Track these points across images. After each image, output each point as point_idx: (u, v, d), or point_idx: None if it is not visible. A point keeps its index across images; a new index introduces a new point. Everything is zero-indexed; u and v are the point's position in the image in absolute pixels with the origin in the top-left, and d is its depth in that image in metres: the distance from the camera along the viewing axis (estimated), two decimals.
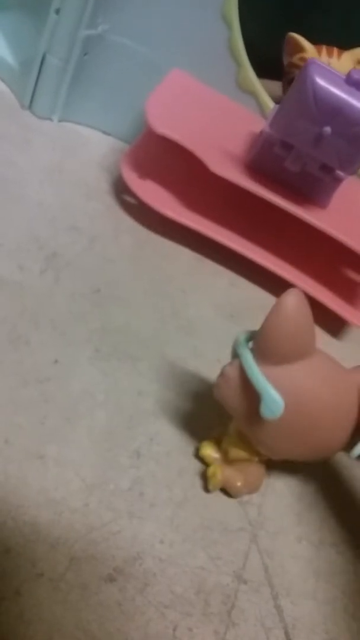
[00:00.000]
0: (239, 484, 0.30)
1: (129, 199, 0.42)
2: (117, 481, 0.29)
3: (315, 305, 0.40)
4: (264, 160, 0.38)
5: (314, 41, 0.46)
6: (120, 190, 0.42)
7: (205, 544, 0.29)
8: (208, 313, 0.38)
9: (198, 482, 0.31)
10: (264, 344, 0.27)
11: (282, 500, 0.32)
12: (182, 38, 0.41)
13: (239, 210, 0.41)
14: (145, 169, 0.41)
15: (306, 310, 0.26)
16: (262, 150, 0.37)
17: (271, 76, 0.43)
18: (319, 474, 0.33)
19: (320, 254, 0.41)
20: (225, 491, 0.31)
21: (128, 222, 0.41)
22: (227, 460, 0.30)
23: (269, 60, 0.42)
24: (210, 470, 0.30)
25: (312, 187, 0.38)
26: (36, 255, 0.36)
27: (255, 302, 0.41)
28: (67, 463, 0.29)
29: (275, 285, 0.41)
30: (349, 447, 0.28)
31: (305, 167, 0.37)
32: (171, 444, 0.31)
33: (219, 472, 0.30)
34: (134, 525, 0.28)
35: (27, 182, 0.39)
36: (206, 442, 0.31)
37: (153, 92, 0.40)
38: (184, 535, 0.29)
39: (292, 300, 0.26)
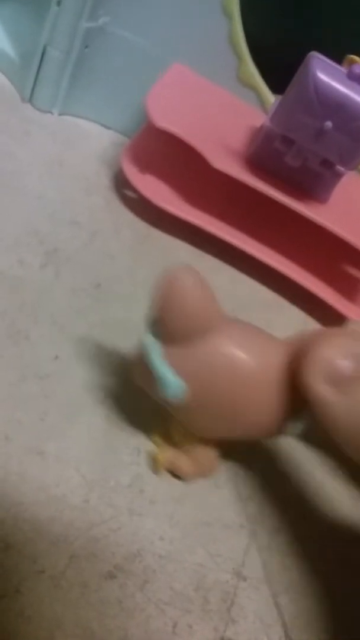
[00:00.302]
0: (185, 468, 0.29)
1: (129, 193, 0.42)
2: (117, 478, 0.29)
3: (316, 302, 0.40)
4: (265, 155, 0.37)
5: (315, 35, 0.45)
6: (121, 184, 0.42)
7: (205, 540, 0.29)
8: None
9: (197, 480, 0.31)
10: (158, 327, 0.26)
11: (281, 497, 0.32)
12: (183, 31, 0.41)
13: (239, 206, 0.41)
14: (145, 163, 0.41)
15: (196, 287, 0.25)
16: (263, 145, 0.37)
17: (271, 70, 0.42)
18: (319, 471, 0.33)
19: (321, 250, 0.41)
20: (225, 487, 0.31)
21: (128, 217, 0.41)
22: (174, 444, 0.30)
23: (269, 54, 0.42)
24: (155, 454, 0.30)
25: (313, 182, 0.38)
26: (36, 250, 0.35)
27: (255, 298, 0.41)
28: (67, 459, 0.29)
29: (276, 281, 0.41)
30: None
31: (306, 162, 0.36)
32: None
33: (161, 457, 0.29)
34: (134, 521, 0.28)
35: (27, 175, 0.39)
36: (159, 428, 0.31)
37: (154, 86, 0.39)
38: (184, 531, 0.29)
39: (180, 279, 0.25)
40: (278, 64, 0.41)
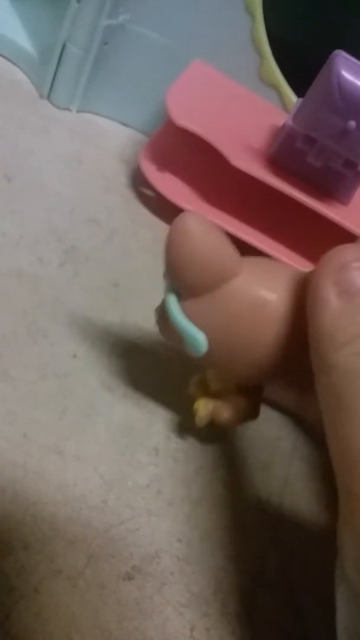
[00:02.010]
0: (225, 415, 0.28)
1: (147, 191, 0.42)
2: (135, 478, 0.29)
3: None
4: (286, 154, 0.37)
5: (340, 36, 0.45)
6: (139, 182, 0.42)
7: (223, 543, 0.29)
8: None
9: (216, 480, 0.30)
10: (173, 281, 0.25)
11: (301, 500, 0.31)
12: (204, 29, 0.41)
13: (259, 206, 0.40)
14: (164, 162, 0.41)
15: (204, 235, 0.23)
16: (284, 145, 0.37)
17: (293, 70, 0.42)
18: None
19: None
20: (243, 490, 0.30)
21: (146, 216, 0.41)
22: (211, 394, 0.29)
23: (292, 53, 0.42)
24: (194, 405, 0.29)
25: (335, 183, 0.37)
26: (55, 248, 0.35)
27: None
28: (85, 459, 0.28)
29: None
30: None
31: (328, 163, 0.36)
32: (189, 441, 0.31)
33: (202, 407, 0.28)
34: (152, 523, 0.28)
35: (46, 172, 0.39)
36: (196, 379, 0.29)
37: (174, 83, 0.39)
38: (202, 534, 0.28)
39: (185, 229, 0.23)
40: (301, 63, 0.41)
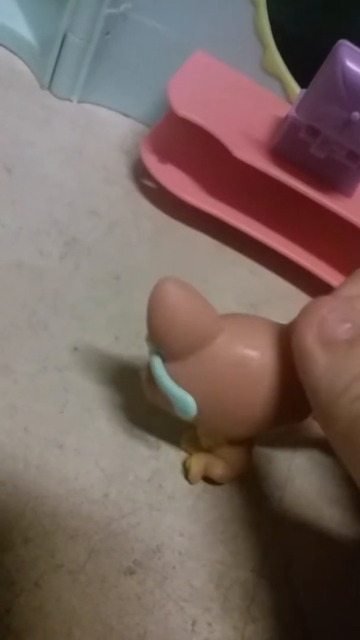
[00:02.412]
0: (218, 470, 0.29)
1: (148, 183, 0.41)
2: (136, 472, 0.29)
3: None
4: (289, 146, 0.37)
5: (344, 27, 0.45)
6: (140, 174, 0.41)
7: (225, 537, 0.28)
8: (228, 301, 0.38)
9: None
10: (157, 344, 0.25)
11: (302, 495, 0.31)
12: (207, 18, 0.40)
13: (261, 197, 0.40)
14: (165, 153, 0.40)
15: (183, 301, 0.24)
16: (287, 136, 0.36)
17: (297, 61, 0.42)
18: (338, 470, 0.32)
19: (343, 244, 0.40)
20: (246, 484, 0.30)
21: (147, 207, 0.40)
22: (203, 449, 0.29)
23: (295, 44, 0.41)
24: (187, 462, 0.29)
25: (338, 174, 0.37)
26: (56, 240, 0.35)
27: (275, 291, 0.40)
28: (86, 452, 0.28)
29: (296, 274, 0.40)
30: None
31: (332, 154, 0.36)
32: None
33: (195, 463, 0.29)
34: (153, 517, 0.28)
35: (47, 163, 0.39)
36: (187, 434, 0.30)
37: (176, 73, 0.39)
38: (204, 528, 0.28)
39: (164, 296, 0.23)
40: (304, 53, 0.40)
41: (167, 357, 0.25)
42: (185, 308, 0.24)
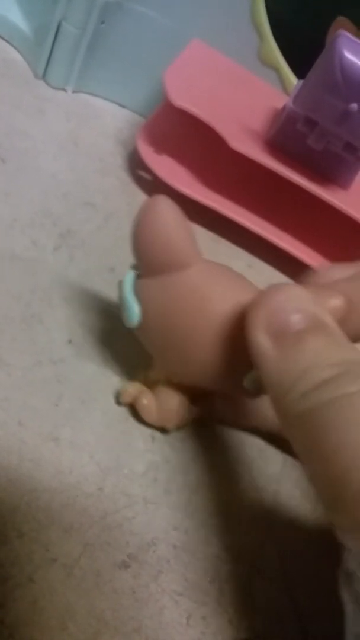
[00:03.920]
0: (144, 400, 0.29)
1: (144, 174, 0.41)
2: (131, 465, 0.28)
3: None
4: (286, 137, 0.36)
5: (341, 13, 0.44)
6: (135, 165, 0.41)
7: (220, 531, 0.28)
8: None
9: (213, 468, 0.30)
10: (135, 257, 0.26)
11: (298, 489, 0.31)
12: (203, 8, 0.40)
13: (258, 189, 0.40)
14: (161, 144, 0.40)
15: (171, 217, 0.24)
16: (284, 127, 0.36)
17: (293, 50, 0.41)
18: None
19: (340, 237, 0.40)
20: (241, 478, 0.30)
21: (143, 199, 0.40)
22: (147, 383, 0.29)
23: (292, 33, 0.41)
24: (121, 387, 0.30)
25: (335, 166, 0.37)
26: (50, 231, 0.35)
27: (272, 283, 0.40)
28: (81, 446, 0.28)
29: (293, 267, 0.40)
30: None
31: (329, 146, 0.35)
32: (186, 428, 0.31)
33: (131, 386, 0.29)
34: (148, 510, 0.28)
35: (41, 154, 0.38)
36: (144, 373, 0.30)
37: (172, 63, 0.38)
38: (199, 522, 0.28)
39: (156, 209, 0.24)
40: (301, 44, 0.40)
41: (142, 274, 0.26)
42: (172, 224, 0.24)
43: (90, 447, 0.28)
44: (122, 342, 0.32)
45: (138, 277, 0.27)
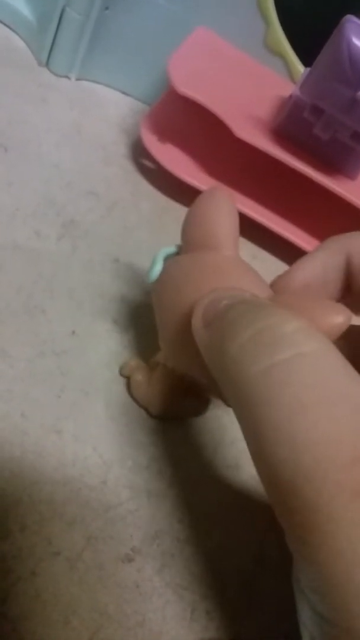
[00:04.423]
0: (138, 376, 0.29)
1: (147, 163, 0.40)
2: (135, 458, 0.28)
3: None
4: (292, 126, 0.36)
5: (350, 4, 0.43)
6: (139, 154, 0.41)
7: (224, 523, 0.28)
8: None
9: (216, 461, 0.30)
10: (182, 235, 0.27)
11: None
12: None
13: (263, 179, 0.39)
14: (165, 133, 0.39)
15: (227, 208, 0.26)
16: (291, 116, 0.36)
17: (300, 37, 0.41)
18: None
19: (346, 227, 0.39)
20: (245, 469, 0.30)
21: (147, 189, 0.39)
22: (150, 365, 0.30)
23: (299, 19, 0.40)
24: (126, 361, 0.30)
25: (342, 156, 0.36)
26: (53, 221, 0.34)
27: (277, 275, 0.39)
28: (84, 438, 0.28)
29: (298, 258, 0.39)
30: None
31: (336, 135, 0.35)
32: (189, 421, 0.30)
33: (133, 360, 0.30)
34: (152, 503, 0.27)
35: (43, 142, 0.38)
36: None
37: (176, 50, 0.38)
38: (203, 514, 0.28)
39: (218, 196, 0.26)
40: (308, 30, 0.39)
41: (181, 251, 0.27)
42: (224, 213, 0.26)
43: (94, 440, 0.28)
44: (127, 334, 0.32)
45: (176, 254, 0.27)
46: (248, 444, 0.20)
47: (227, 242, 0.26)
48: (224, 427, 0.31)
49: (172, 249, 0.28)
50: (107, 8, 0.39)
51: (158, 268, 0.27)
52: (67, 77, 0.42)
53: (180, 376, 0.28)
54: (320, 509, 0.17)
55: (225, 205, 0.26)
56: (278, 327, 0.19)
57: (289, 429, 0.17)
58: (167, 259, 0.27)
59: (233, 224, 0.26)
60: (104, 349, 0.31)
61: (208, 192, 0.26)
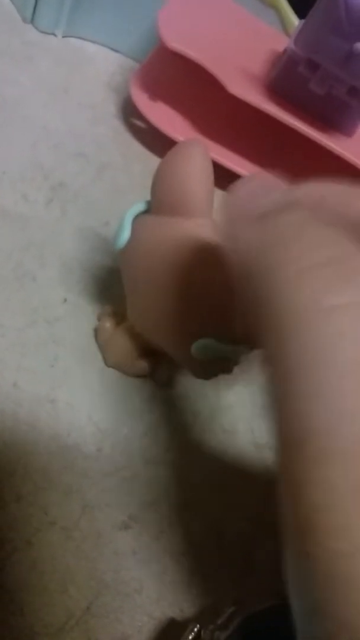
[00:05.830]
0: (107, 324, 0.29)
1: (138, 122, 0.39)
2: (131, 425, 0.28)
3: None
4: (287, 81, 0.35)
5: None
6: (129, 113, 0.39)
7: (222, 488, 0.28)
8: None
9: (213, 427, 0.29)
10: (151, 191, 0.25)
11: None
12: None
13: (257, 137, 0.38)
14: (156, 90, 0.38)
15: (199, 162, 0.24)
16: (285, 70, 0.34)
17: None
18: None
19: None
20: (241, 434, 0.30)
21: (137, 149, 0.38)
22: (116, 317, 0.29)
23: None
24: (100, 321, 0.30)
25: (338, 112, 0.35)
26: (41, 185, 0.33)
27: None
28: (79, 407, 0.27)
29: None
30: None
31: (332, 90, 0.34)
32: (186, 386, 0.30)
33: (109, 309, 0.29)
34: (148, 470, 0.27)
35: (30, 103, 0.37)
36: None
37: (166, 3, 0.36)
38: (200, 480, 0.28)
39: (189, 152, 0.24)
40: None
41: (151, 211, 0.25)
42: (197, 173, 0.24)
43: (89, 408, 0.28)
44: (119, 300, 0.31)
45: (145, 212, 0.26)
46: (272, 385, 0.15)
47: (201, 206, 0.24)
48: (220, 391, 0.31)
49: (141, 205, 0.26)
50: None
51: (126, 234, 0.25)
52: (53, 34, 0.41)
53: (141, 340, 0.28)
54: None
55: (199, 162, 0.24)
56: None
57: (333, 391, 0.14)
58: (137, 217, 0.26)
59: (207, 184, 0.24)
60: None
61: (181, 145, 0.24)
